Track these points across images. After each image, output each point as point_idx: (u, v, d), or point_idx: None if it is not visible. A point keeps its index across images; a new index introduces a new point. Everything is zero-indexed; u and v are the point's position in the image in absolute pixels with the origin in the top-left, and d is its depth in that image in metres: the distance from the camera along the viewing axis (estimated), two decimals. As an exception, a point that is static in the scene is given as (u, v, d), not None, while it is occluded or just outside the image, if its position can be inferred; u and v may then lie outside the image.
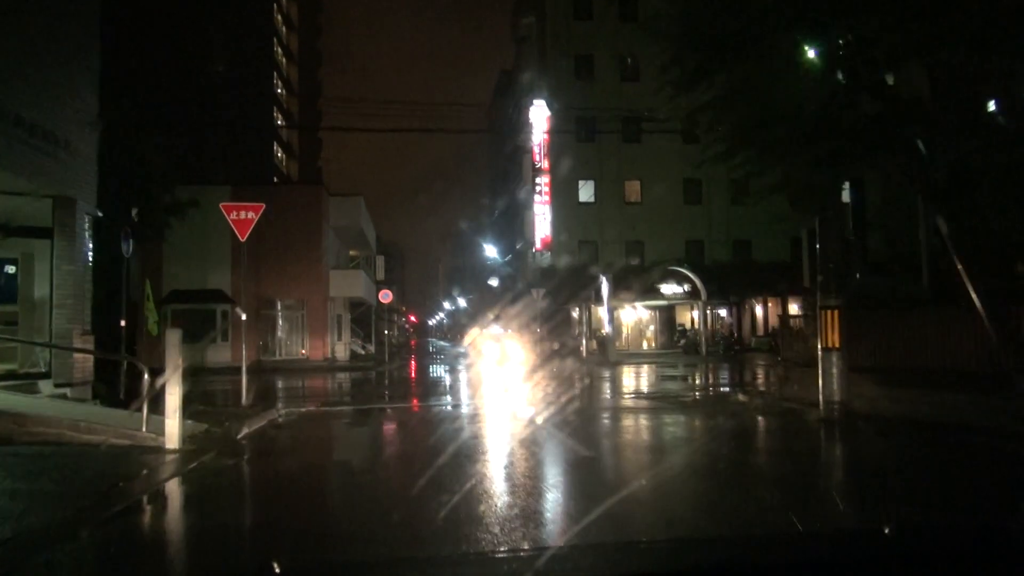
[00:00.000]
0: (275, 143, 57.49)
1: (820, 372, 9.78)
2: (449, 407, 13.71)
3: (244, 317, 12.14)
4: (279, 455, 8.81)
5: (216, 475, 7.21)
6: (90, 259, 11.66)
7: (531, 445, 8.81)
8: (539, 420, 10.58)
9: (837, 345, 9.66)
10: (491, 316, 38.92)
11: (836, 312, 9.66)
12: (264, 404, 12.47)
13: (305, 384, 21.51)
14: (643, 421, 10.98)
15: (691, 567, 1.74)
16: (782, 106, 8.47)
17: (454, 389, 18.61)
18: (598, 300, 33.61)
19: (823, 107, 8.44)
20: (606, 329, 32.40)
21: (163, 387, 8.10)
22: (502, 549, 4.28)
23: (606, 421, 11.21)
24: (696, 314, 37.02)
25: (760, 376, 19.61)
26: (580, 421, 10.85)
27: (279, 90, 59.68)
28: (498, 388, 18.34)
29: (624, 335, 38.63)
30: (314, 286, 31.71)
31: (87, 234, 11.57)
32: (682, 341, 34.40)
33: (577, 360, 30.69)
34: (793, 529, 4.59)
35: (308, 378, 23.86)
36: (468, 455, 8.04)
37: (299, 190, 35.91)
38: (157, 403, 8.34)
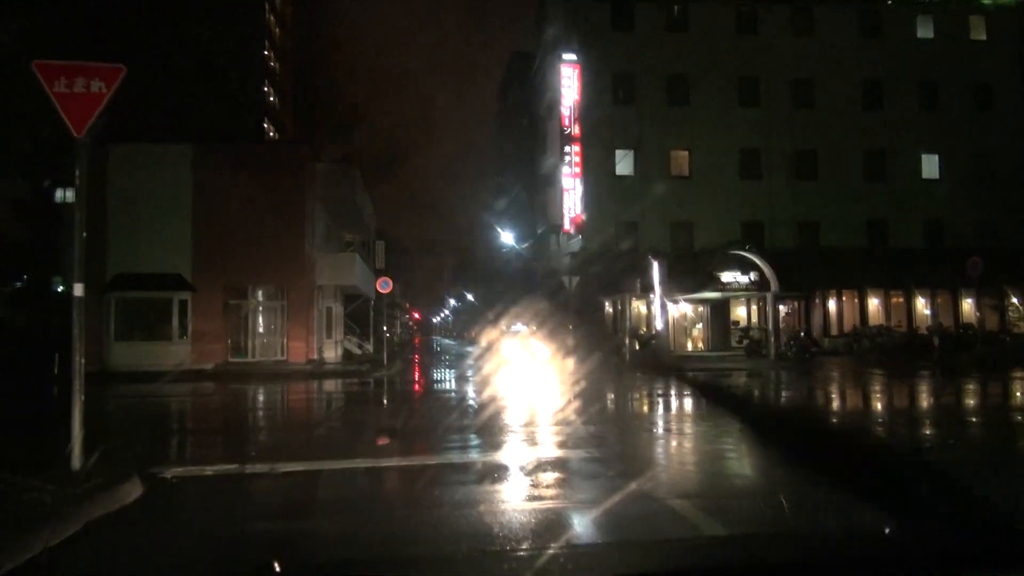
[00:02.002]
0: (266, 120, 51.29)
1: None
2: (487, 481, 7.08)
3: (79, 294, 6.00)
4: None
5: None
6: None
7: None
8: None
9: None
10: (506, 311, 32.82)
11: None
12: (125, 462, 6.30)
13: (262, 400, 15.28)
14: None
15: (691, 567, 1.67)
16: None
17: (479, 420, 11.90)
18: (644, 291, 27.39)
19: None
20: (658, 326, 26.16)
21: None
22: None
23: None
24: (757, 308, 30.82)
25: (981, 396, 13.24)
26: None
27: (272, 63, 53.52)
28: (555, 421, 11.64)
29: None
30: (296, 269, 25.56)
31: None
32: (745, 342, 28.09)
33: (623, 365, 24.55)
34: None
35: (274, 389, 17.52)
36: None
37: (279, 150, 29.75)
38: None
